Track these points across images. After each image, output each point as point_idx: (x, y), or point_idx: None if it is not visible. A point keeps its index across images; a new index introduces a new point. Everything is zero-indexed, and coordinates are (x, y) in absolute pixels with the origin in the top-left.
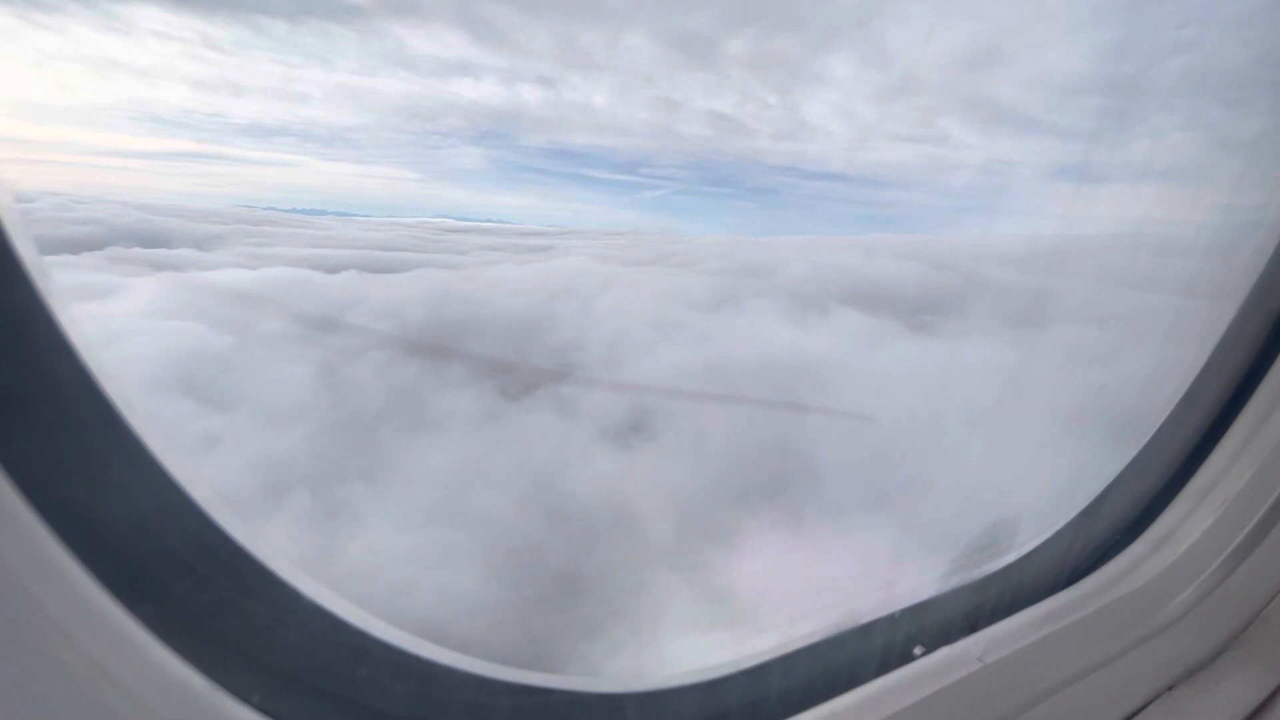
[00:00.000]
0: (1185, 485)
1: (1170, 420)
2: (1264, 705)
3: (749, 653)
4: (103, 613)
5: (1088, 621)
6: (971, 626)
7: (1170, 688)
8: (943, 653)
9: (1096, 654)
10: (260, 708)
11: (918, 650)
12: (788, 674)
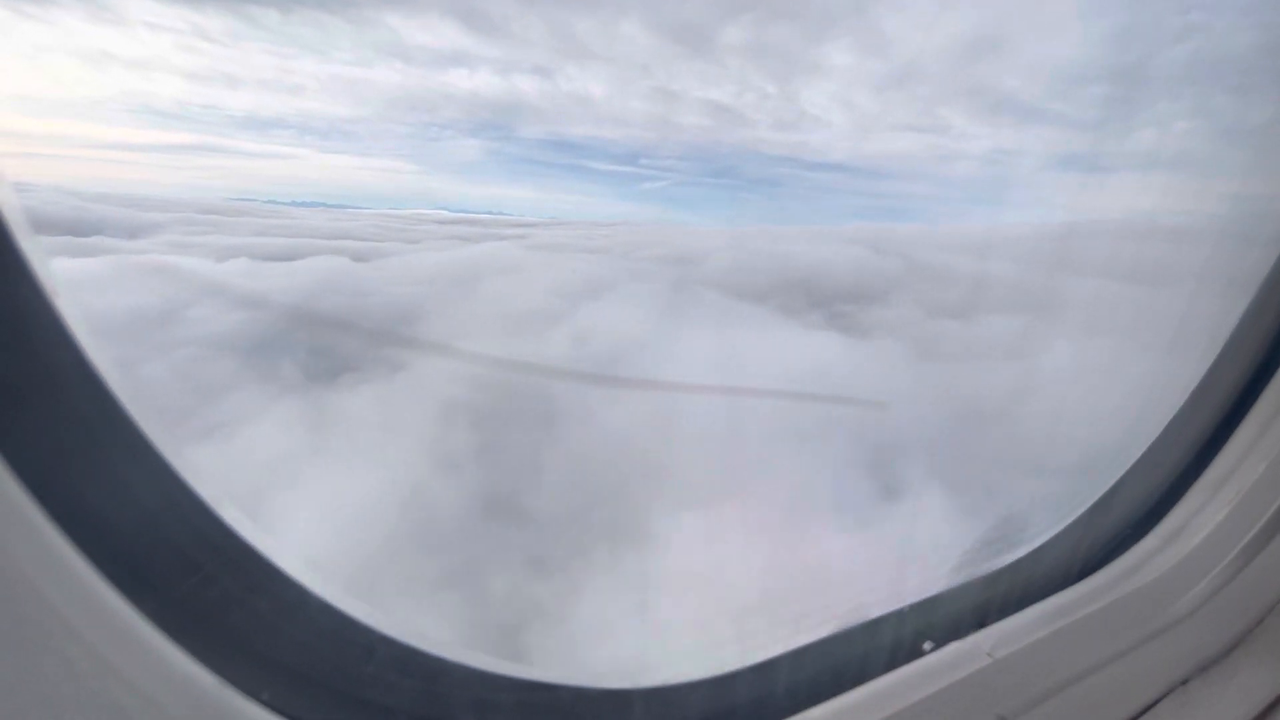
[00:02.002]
0: (1198, 479)
1: (1182, 413)
2: (1279, 699)
3: (756, 649)
4: (110, 609)
5: (1099, 616)
6: (981, 621)
7: (1184, 682)
8: (952, 648)
9: (1108, 649)
10: (269, 704)
11: (927, 645)
12: (796, 669)
